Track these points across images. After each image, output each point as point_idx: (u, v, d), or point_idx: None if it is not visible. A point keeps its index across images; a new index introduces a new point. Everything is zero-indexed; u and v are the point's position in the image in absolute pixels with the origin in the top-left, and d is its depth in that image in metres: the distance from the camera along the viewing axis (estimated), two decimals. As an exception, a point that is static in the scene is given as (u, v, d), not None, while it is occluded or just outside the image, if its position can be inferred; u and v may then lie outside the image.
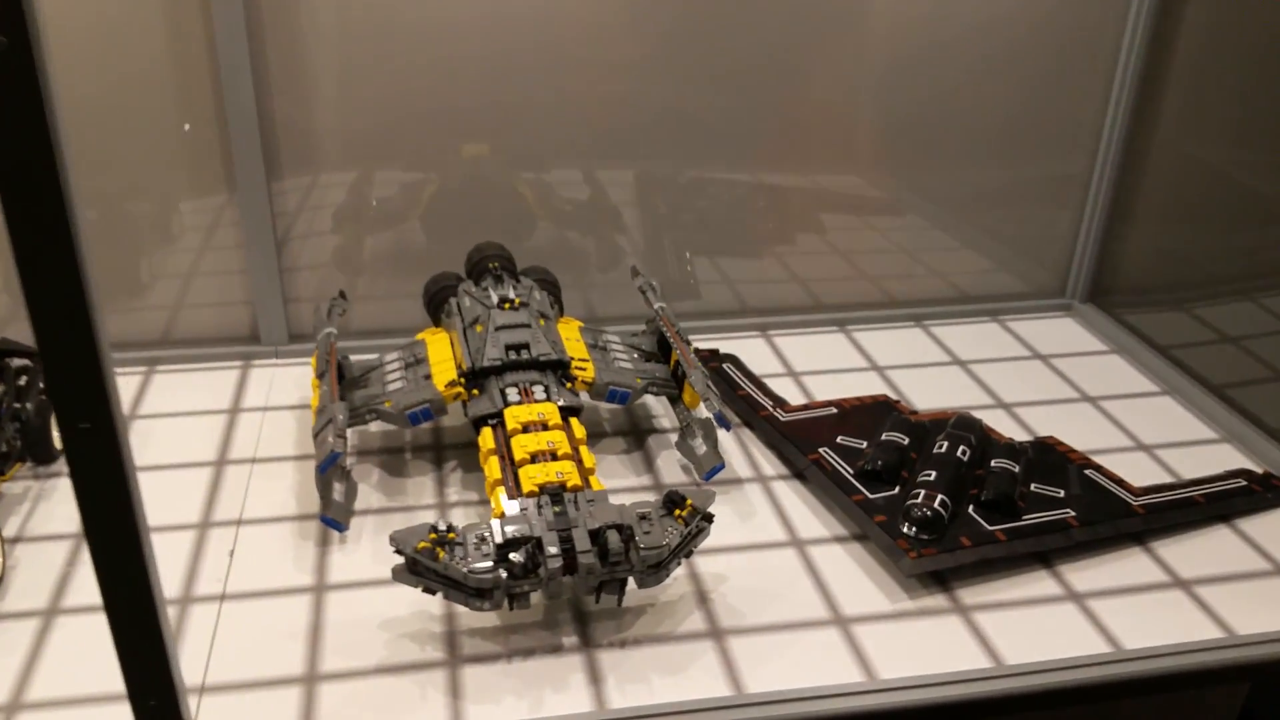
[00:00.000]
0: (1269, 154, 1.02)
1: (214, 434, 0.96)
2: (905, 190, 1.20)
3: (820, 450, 0.91)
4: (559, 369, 0.88)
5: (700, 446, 0.89)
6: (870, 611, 0.77)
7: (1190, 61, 1.11)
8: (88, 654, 0.71)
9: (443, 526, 0.70)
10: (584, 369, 0.89)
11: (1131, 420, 1.02)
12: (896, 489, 0.86)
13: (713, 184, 1.16)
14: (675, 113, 1.10)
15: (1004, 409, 1.04)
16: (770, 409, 0.99)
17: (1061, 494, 0.87)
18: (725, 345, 1.12)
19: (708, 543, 0.76)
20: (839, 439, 0.93)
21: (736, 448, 0.96)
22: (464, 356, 0.88)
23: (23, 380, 0.87)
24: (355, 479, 0.87)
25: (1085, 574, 0.81)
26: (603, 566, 0.70)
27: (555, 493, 0.73)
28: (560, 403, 0.84)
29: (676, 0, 1.05)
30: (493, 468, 0.78)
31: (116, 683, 0.56)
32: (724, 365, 1.07)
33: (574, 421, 0.83)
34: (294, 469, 0.91)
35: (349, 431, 0.89)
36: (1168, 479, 0.93)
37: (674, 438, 0.95)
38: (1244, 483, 0.91)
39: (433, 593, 0.70)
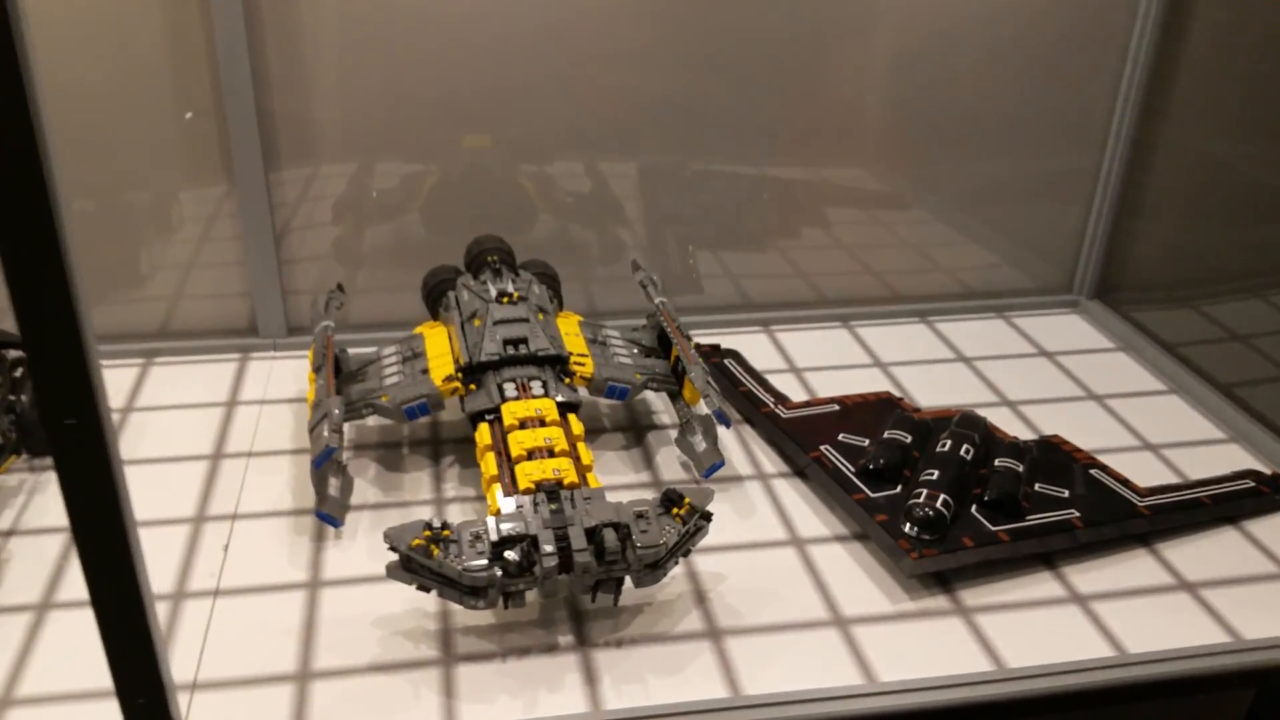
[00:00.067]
0: (1280, 149, 1.01)
1: (210, 427, 0.95)
2: (911, 184, 1.19)
3: (822, 448, 0.90)
4: (557, 364, 0.87)
5: (700, 443, 0.88)
6: (871, 612, 0.76)
7: (1201, 54, 1.09)
8: (81, 649, 0.70)
9: (437, 524, 0.69)
10: (583, 364, 0.88)
11: (1138, 419, 1.01)
12: (899, 488, 0.85)
13: (716, 177, 1.14)
14: (679, 105, 1.09)
15: (1009, 406, 1.03)
16: (771, 406, 0.98)
17: (1066, 494, 0.86)
18: (727, 340, 1.11)
19: (706, 541, 0.75)
20: (841, 437, 0.92)
21: (737, 445, 0.95)
22: (462, 351, 0.87)
23: (18, 372, 0.86)
24: (351, 474, 0.86)
25: (1089, 576, 0.80)
26: (599, 565, 0.69)
27: (552, 490, 0.73)
28: (558, 398, 0.83)
29: (680, -9, 1.04)
30: (489, 464, 0.78)
31: (109, 678, 0.55)
32: (725, 361, 1.06)
33: (572, 417, 0.82)
34: (290, 463, 0.90)
35: (346, 426, 0.88)
36: (1174, 479, 0.91)
37: (674, 434, 0.94)
38: (1252, 484, 0.89)
39: (427, 590, 0.69)
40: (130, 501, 0.53)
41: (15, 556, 0.78)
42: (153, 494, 0.85)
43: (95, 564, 0.53)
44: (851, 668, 0.71)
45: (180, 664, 0.69)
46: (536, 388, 0.83)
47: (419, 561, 0.68)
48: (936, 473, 0.84)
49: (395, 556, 0.68)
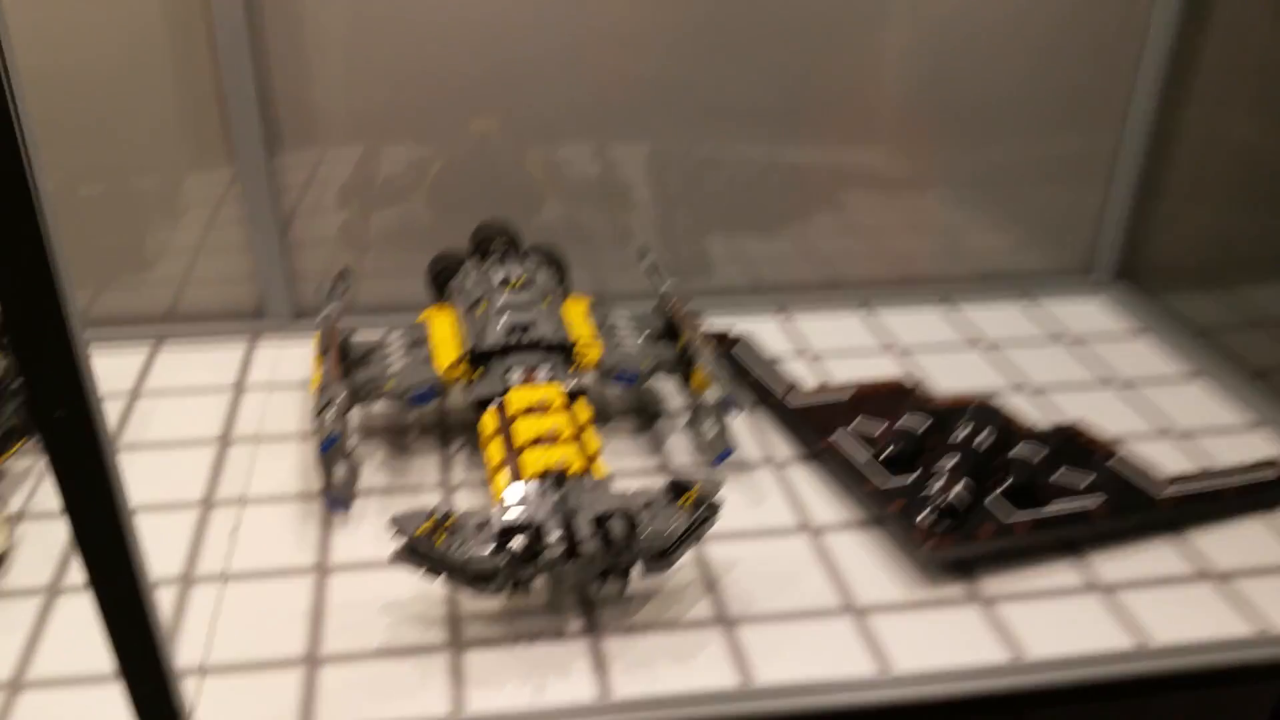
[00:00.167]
0: (1310, 128, 0.98)
1: (218, 411, 0.94)
2: (929, 165, 1.17)
3: (835, 435, 0.89)
4: (563, 351, 0.85)
5: (710, 430, 0.87)
6: (885, 601, 0.74)
7: (1225, 32, 1.06)
8: (91, 632, 0.69)
9: (442, 511, 0.68)
10: (590, 350, 0.87)
11: (1161, 405, 0.99)
12: (914, 476, 0.83)
13: (729, 158, 1.12)
14: (691, 85, 1.07)
15: (1028, 392, 1.01)
16: (784, 392, 0.96)
17: (1086, 482, 0.84)
18: (740, 325, 1.09)
19: (717, 528, 0.73)
20: (855, 423, 0.90)
21: (748, 431, 0.93)
22: (466, 337, 0.86)
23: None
24: (358, 458, 0.85)
25: (1112, 564, 0.78)
26: (605, 554, 0.68)
27: (557, 478, 0.71)
28: (564, 385, 0.82)
29: (692, -31, 1.02)
30: (494, 451, 0.76)
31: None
32: (736, 346, 1.04)
33: (579, 404, 0.81)
34: (298, 447, 0.89)
35: (352, 411, 0.87)
36: (1199, 467, 0.89)
37: (684, 419, 0.92)
38: (1279, 473, 0.87)
39: (434, 576, 0.68)
40: (125, 492, 0.52)
41: (26, 539, 0.78)
42: (161, 478, 0.85)
43: (92, 557, 0.52)
44: (865, 657, 0.69)
45: (189, 648, 0.69)
46: (542, 374, 0.82)
47: (424, 549, 0.67)
48: (953, 460, 0.82)
49: (401, 543, 0.67)
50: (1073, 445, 0.89)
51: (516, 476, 0.73)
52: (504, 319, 0.86)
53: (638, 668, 0.68)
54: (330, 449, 0.78)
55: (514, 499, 0.70)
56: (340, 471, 0.80)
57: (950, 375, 1.03)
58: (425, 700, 0.65)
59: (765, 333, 1.09)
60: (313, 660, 0.68)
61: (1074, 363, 1.06)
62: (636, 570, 0.71)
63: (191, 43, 0.96)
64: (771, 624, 0.72)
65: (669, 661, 0.68)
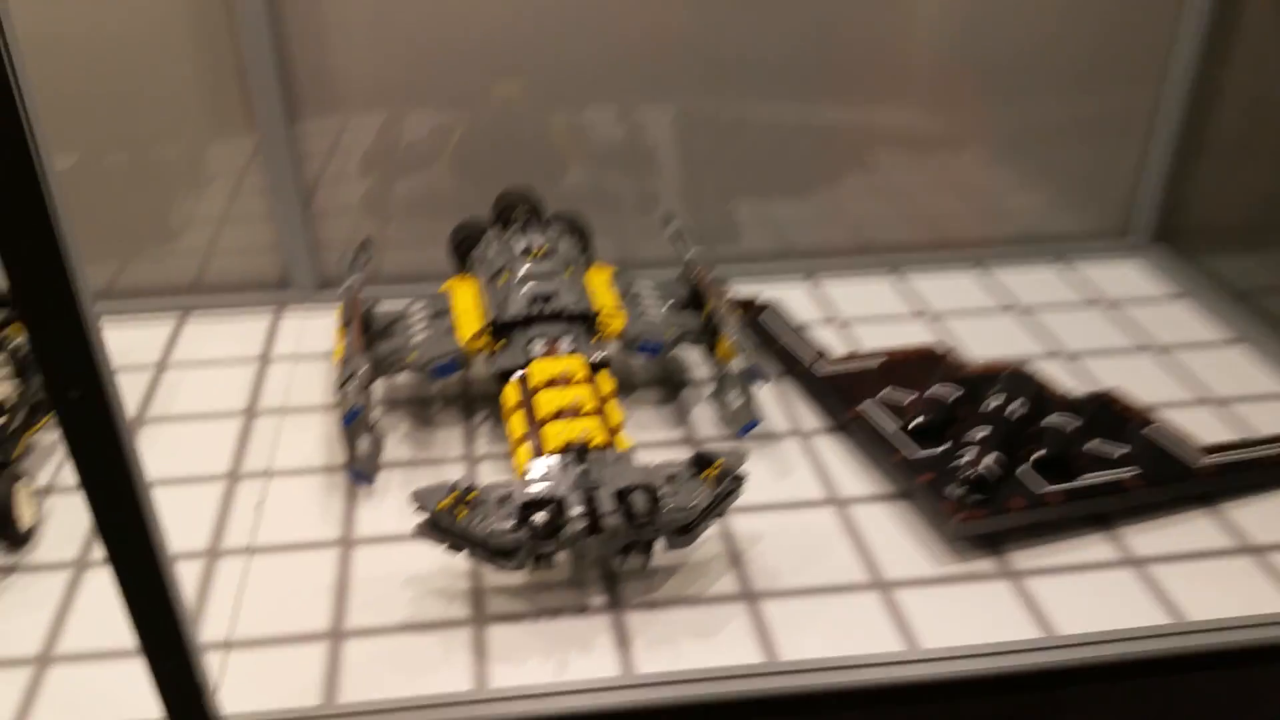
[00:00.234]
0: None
1: (244, 383, 0.94)
2: (963, 123, 1.13)
3: (863, 405, 0.87)
4: (586, 321, 0.84)
5: (735, 400, 0.86)
6: (913, 575, 0.73)
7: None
8: (118, 607, 0.70)
9: (464, 486, 0.67)
10: (613, 320, 0.86)
11: (1200, 371, 0.96)
12: (944, 447, 0.81)
13: (758, 119, 1.10)
14: (718, 44, 1.04)
15: (1063, 358, 0.98)
16: (811, 360, 0.94)
17: (1120, 452, 0.82)
18: (767, 291, 1.07)
19: (742, 500, 0.73)
20: (884, 392, 0.89)
21: (775, 400, 0.92)
22: (488, 308, 0.85)
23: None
24: (382, 430, 0.85)
25: (1146, 537, 0.76)
26: (628, 528, 0.67)
27: (580, 451, 0.71)
28: (587, 356, 0.81)
29: (718, -75, 0.99)
30: (516, 424, 0.76)
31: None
32: (764, 313, 1.02)
33: (602, 375, 0.80)
34: (323, 419, 0.89)
35: (375, 383, 0.87)
36: (1238, 436, 0.87)
37: (709, 389, 0.91)
38: (1322, 440, 0.85)
39: (456, 551, 0.68)
40: (143, 471, 0.52)
41: (54, 514, 0.78)
42: (187, 451, 0.85)
43: (111, 536, 0.52)
44: (892, 633, 0.68)
45: (215, 623, 0.70)
46: (565, 345, 0.81)
47: (446, 523, 0.67)
48: (984, 431, 0.80)
49: (423, 518, 0.67)
50: (1108, 414, 0.87)
51: (539, 450, 0.72)
52: (526, 289, 0.85)
53: (660, 643, 0.67)
54: (353, 422, 0.78)
55: (536, 473, 0.70)
56: (363, 445, 0.80)
57: (983, 341, 1.01)
58: (448, 676, 0.65)
59: (793, 299, 1.07)
60: (337, 634, 0.69)
61: (1110, 328, 1.04)
62: (659, 545, 0.70)
63: (211, 9, 0.95)
64: (797, 599, 0.71)
65: (692, 637, 0.68)
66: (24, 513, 0.74)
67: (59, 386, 0.48)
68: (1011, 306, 1.07)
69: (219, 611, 0.70)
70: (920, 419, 0.83)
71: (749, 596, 0.71)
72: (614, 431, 0.75)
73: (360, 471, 0.78)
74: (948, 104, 1.12)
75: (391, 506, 0.79)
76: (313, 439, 0.87)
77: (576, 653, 0.67)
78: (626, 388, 0.92)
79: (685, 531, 0.69)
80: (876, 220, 1.16)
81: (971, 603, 0.71)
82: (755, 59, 1.06)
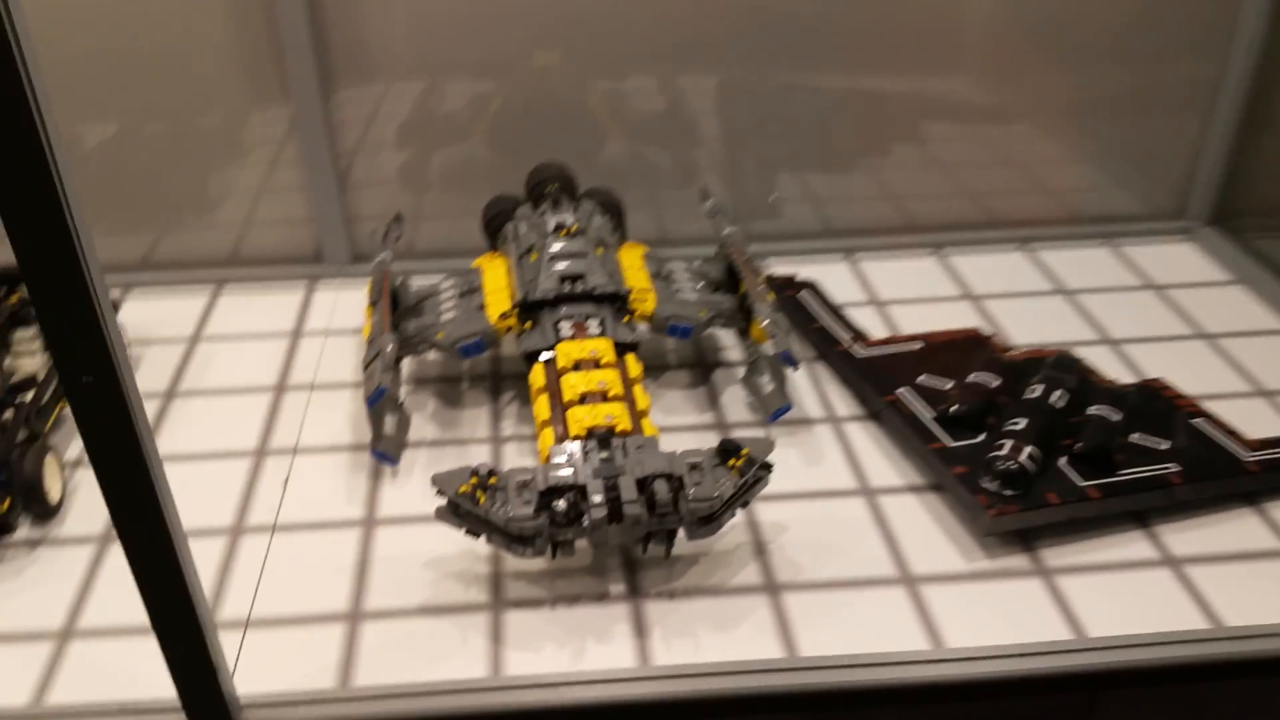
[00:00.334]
0: None
1: (275, 358, 0.94)
2: (1013, 94, 1.10)
3: (899, 391, 0.85)
4: (616, 301, 0.83)
5: (766, 385, 0.84)
6: (942, 571, 0.71)
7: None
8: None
9: (485, 470, 0.67)
10: (644, 301, 0.84)
11: (1253, 362, 0.92)
12: (981, 437, 0.79)
13: (801, 90, 1.07)
14: (763, 10, 1.01)
15: (1109, 345, 0.95)
16: (848, 343, 0.92)
17: (1165, 446, 0.79)
18: (805, 270, 1.05)
19: (769, 489, 0.71)
20: (921, 378, 0.86)
21: (808, 385, 0.90)
22: (517, 287, 0.84)
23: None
24: (409, 410, 0.84)
25: (1186, 536, 0.73)
26: (649, 517, 0.66)
27: (603, 437, 0.70)
28: (616, 338, 0.79)
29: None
30: (541, 407, 0.75)
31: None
32: (801, 293, 1.00)
33: (630, 358, 0.79)
34: (352, 396, 0.89)
35: (404, 361, 0.86)
36: (1290, 431, 0.83)
37: (742, 372, 0.89)
38: (1381, 438, 0.81)
39: (476, 536, 0.68)
40: (157, 456, 0.52)
41: (80, 488, 0.79)
42: (217, 426, 0.86)
43: (124, 521, 0.52)
44: (917, 630, 0.67)
45: (235, 601, 0.70)
46: (593, 327, 0.80)
47: (466, 508, 0.66)
48: (1024, 421, 0.78)
49: (443, 502, 0.67)
50: (1154, 404, 0.84)
51: (563, 434, 0.71)
52: (555, 268, 0.84)
53: (679, 634, 0.66)
54: (377, 403, 0.78)
55: (558, 459, 0.69)
56: (388, 425, 0.80)
57: (1028, 325, 0.98)
58: (463, 662, 0.65)
59: (833, 278, 1.05)
60: (355, 616, 0.69)
61: (1160, 314, 1.00)
62: (682, 533, 0.69)
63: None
64: (820, 592, 0.70)
65: (711, 629, 0.67)
66: (52, 485, 0.75)
67: (71, 371, 0.48)
68: (1058, 290, 1.04)
69: (240, 590, 0.71)
70: (959, 406, 0.81)
71: (771, 589, 0.70)
72: (640, 417, 0.74)
73: (384, 452, 0.78)
74: (998, 73, 1.08)
75: (416, 487, 0.79)
76: (341, 416, 0.87)
77: (593, 641, 0.66)
78: (657, 369, 0.91)
79: (708, 521, 0.68)
80: (920, 197, 1.13)
81: (1000, 601, 0.69)
82: (801, 25, 1.03)
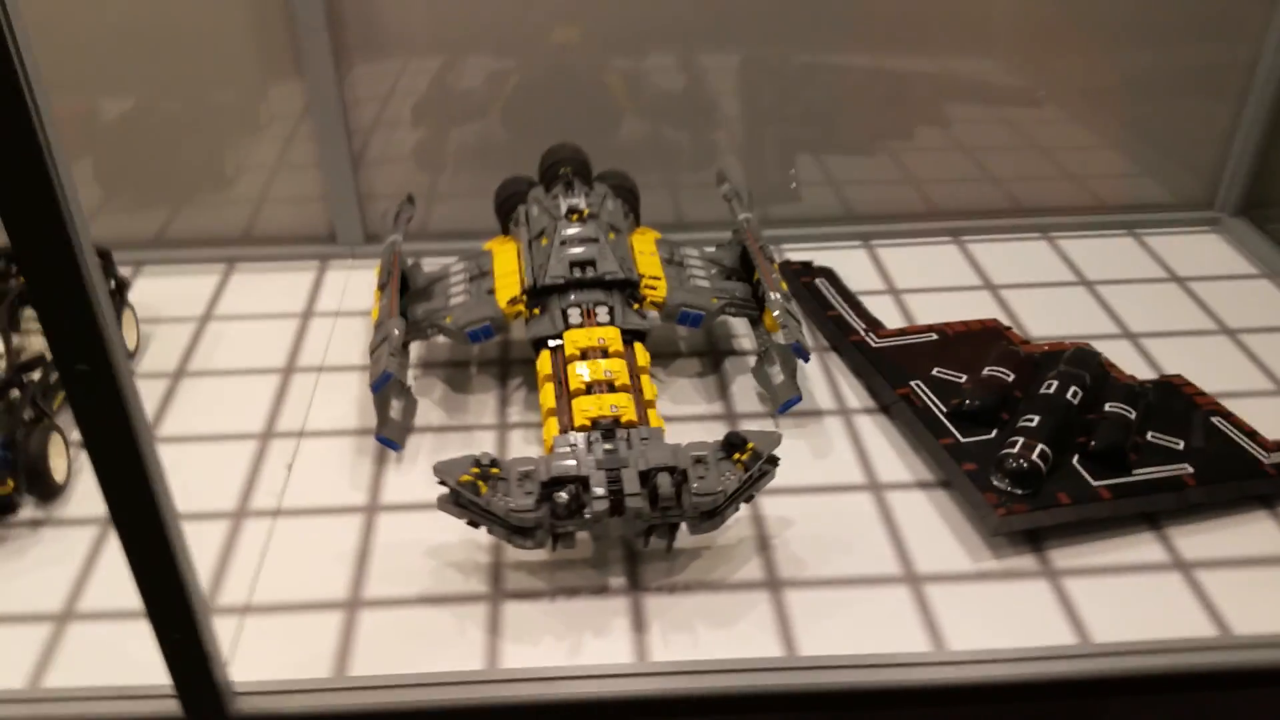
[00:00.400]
0: None
1: (285, 339, 0.94)
2: (1039, 77, 1.07)
3: (912, 383, 0.84)
4: (627, 288, 0.82)
5: (777, 375, 0.83)
6: (947, 570, 0.70)
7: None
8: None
9: (487, 459, 0.66)
10: (655, 288, 0.83)
11: (1277, 359, 0.90)
12: (993, 433, 0.78)
13: (823, 70, 1.05)
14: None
15: (1129, 339, 0.93)
16: (862, 333, 0.91)
17: (1181, 445, 0.77)
18: (822, 256, 1.03)
19: (774, 482, 0.70)
20: (935, 371, 0.85)
21: (820, 375, 0.89)
22: (527, 272, 0.83)
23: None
24: (415, 395, 0.84)
25: (1197, 539, 0.72)
26: (651, 511, 0.66)
27: (608, 428, 0.69)
28: (625, 326, 0.78)
29: None
30: (548, 395, 0.74)
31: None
32: (816, 280, 0.99)
33: (638, 347, 0.78)
34: (359, 379, 0.89)
35: (412, 345, 0.86)
36: (1313, 432, 0.82)
37: (753, 361, 0.88)
38: (1406, 442, 0.79)
39: (477, 525, 0.67)
40: (153, 444, 0.51)
41: (85, 470, 0.79)
42: (224, 407, 0.86)
43: (119, 509, 0.52)
44: (919, 631, 0.66)
45: (235, 586, 0.70)
46: (602, 314, 0.79)
47: (467, 498, 0.66)
48: (1037, 418, 0.76)
49: (444, 491, 0.66)
50: (1173, 401, 0.82)
51: (568, 424, 0.71)
52: (566, 253, 0.83)
53: (678, 630, 0.66)
54: (382, 389, 0.77)
55: (561, 449, 0.68)
56: (393, 410, 0.80)
57: (1047, 316, 0.96)
58: (460, 653, 0.65)
59: (850, 264, 1.03)
60: (353, 604, 0.68)
61: (1184, 307, 0.98)
62: (684, 527, 0.68)
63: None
64: (823, 589, 0.69)
65: (710, 625, 0.66)
66: (58, 466, 0.75)
67: (66, 360, 0.48)
68: (1078, 281, 1.02)
69: (241, 575, 0.71)
70: (972, 401, 0.80)
71: (773, 585, 0.69)
72: (646, 407, 0.73)
73: (388, 438, 0.78)
74: (1024, 55, 1.06)
75: (420, 473, 0.79)
76: (348, 399, 0.87)
77: (591, 635, 0.66)
78: (667, 356, 0.90)
79: (711, 516, 0.67)
80: (941, 182, 1.11)
81: (1006, 602, 0.68)
82: (825, 4, 1.00)
